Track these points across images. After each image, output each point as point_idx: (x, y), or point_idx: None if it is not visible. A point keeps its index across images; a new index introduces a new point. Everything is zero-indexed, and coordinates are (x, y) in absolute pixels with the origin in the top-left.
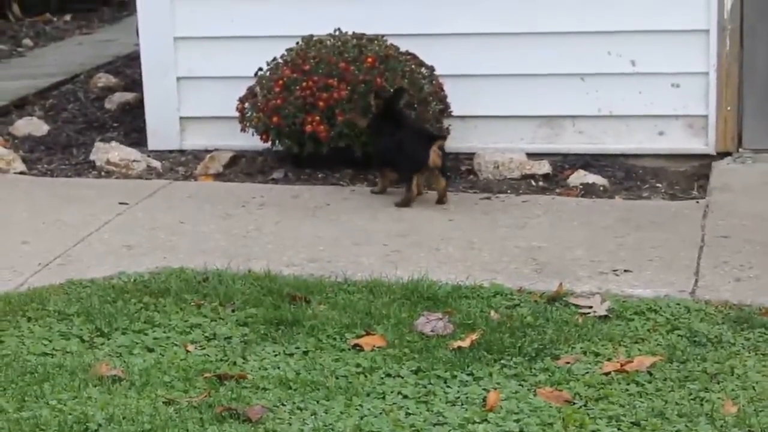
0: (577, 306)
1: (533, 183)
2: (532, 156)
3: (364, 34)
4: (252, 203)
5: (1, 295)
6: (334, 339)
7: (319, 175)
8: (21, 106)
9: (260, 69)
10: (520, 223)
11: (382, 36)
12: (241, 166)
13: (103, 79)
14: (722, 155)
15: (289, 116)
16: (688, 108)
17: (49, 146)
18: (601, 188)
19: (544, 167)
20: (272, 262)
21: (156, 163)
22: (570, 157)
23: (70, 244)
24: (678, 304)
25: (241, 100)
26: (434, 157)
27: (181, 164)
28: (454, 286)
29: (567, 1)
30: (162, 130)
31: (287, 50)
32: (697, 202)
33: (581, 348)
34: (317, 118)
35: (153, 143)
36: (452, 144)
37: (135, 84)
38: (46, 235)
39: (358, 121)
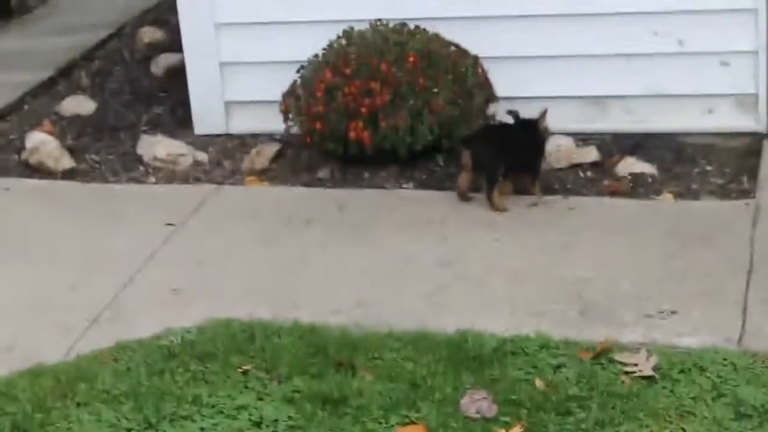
0: (622, 364)
1: (581, 173)
2: (579, 137)
3: (405, 25)
4: (298, 219)
5: (49, 369)
6: (379, 423)
7: (365, 175)
8: (68, 73)
9: (302, 67)
10: (566, 243)
11: (423, 26)
12: (287, 161)
13: (149, 34)
14: None
15: (332, 122)
16: (737, 86)
17: (96, 128)
18: (650, 179)
19: (591, 154)
20: (318, 307)
21: (202, 156)
22: (618, 137)
23: (118, 286)
24: (725, 360)
25: (284, 100)
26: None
27: (228, 155)
28: (500, 341)
29: None
30: (207, 114)
31: (327, 47)
32: (747, 204)
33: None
34: (360, 124)
35: (199, 128)
36: None
37: (179, 38)
38: (94, 274)
39: None
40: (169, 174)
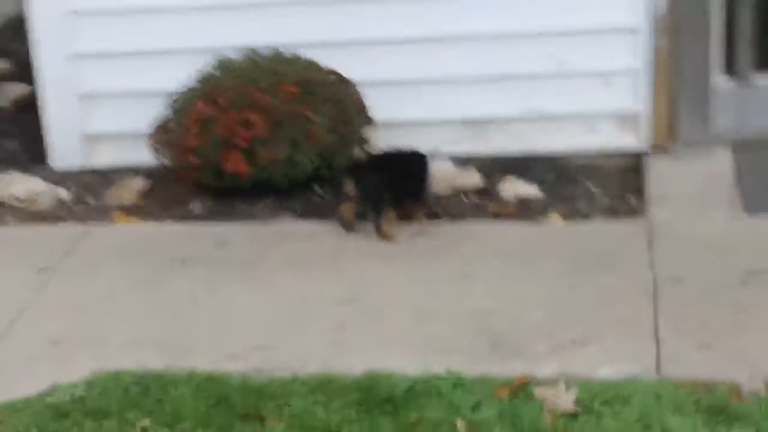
0: (542, 399)
1: (465, 198)
2: (458, 160)
3: (280, 53)
4: (178, 259)
5: None
6: None
7: (242, 207)
8: None
9: (173, 100)
10: (464, 273)
11: (297, 53)
12: (156, 195)
13: None
14: (656, 149)
15: (208, 155)
16: (619, 105)
17: None
18: (536, 201)
19: (474, 179)
20: (214, 353)
21: (63, 193)
22: (499, 160)
23: None
24: (646, 390)
25: (154, 133)
26: None
27: (91, 191)
28: (411, 381)
29: (489, 3)
30: (65, 148)
31: (201, 78)
32: (638, 224)
33: None
34: (238, 156)
35: (57, 163)
36: None
37: (25, 68)
38: None
39: None
40: (28, 214)
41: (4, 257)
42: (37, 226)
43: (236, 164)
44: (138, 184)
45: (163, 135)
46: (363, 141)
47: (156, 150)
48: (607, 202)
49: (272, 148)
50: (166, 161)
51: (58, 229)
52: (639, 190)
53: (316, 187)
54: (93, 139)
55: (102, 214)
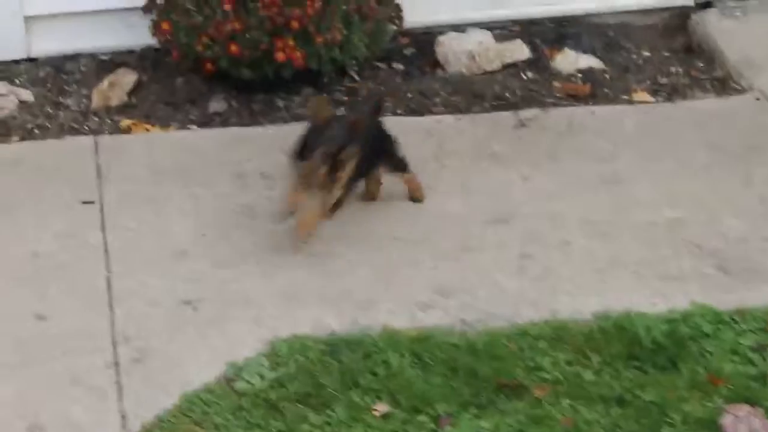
0: None
1: (521, 75)
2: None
3: None
4: (251, 174)
5: None
6: None
7: (280, 104)
8: None
9: None
10: (612, 175)
11: None
12: (151, 92)
13: None
14: (701, 6)
15: (253, 43)
16: None
17: None
18: (600, 74)
19: (523, 51)
20: (392, 303)
21: (26, 95)
22: (527, 27)
23: (99, 306)
24: None
25: (159, 15)
26: None
27: (55, 89)
28: (665, 322)
29: None
30: (1, 36)
31: None
32: (757, 99)
33: None
34: (291, 42)
35: None
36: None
37: None
38: (48, 289)
39: None
40: None
41: (17, 185)
42: (22, 141)
43: (290, 51)
44: (129, 79)
45: (179, 15)
46: (399, 16)
47: (166, 37)
48: (681, 71)
49: (326, 29)
50: (196, 55)
51: (60, 145)
52: (699, 53)
53: (355, 75)
54: (35, 22)
55: (90, 119)
